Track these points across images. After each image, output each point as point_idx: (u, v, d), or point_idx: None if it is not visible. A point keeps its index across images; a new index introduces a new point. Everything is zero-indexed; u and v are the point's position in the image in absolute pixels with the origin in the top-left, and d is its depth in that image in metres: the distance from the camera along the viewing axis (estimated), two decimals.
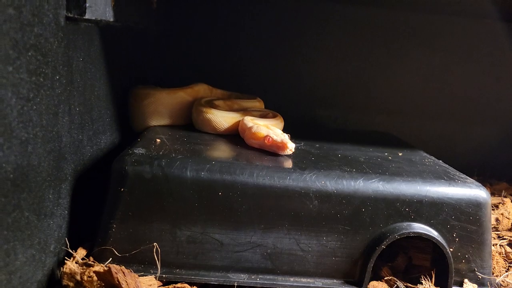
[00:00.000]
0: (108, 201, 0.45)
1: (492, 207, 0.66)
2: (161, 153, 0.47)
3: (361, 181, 0.47)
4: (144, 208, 0.45)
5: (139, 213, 0.45)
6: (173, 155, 0.47)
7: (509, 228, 0.60)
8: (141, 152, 0.47)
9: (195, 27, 0.83)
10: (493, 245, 0.55)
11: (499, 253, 0.54)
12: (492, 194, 0.72)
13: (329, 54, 0.87)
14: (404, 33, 0.86)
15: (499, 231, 0.59)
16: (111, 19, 0.48)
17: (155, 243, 0.44)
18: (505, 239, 0.57)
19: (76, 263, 0.42)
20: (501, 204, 0.66)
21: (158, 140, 0.52)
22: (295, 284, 0.45)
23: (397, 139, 0.73)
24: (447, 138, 0.87)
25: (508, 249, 0.55)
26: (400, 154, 0.60)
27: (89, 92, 0.48)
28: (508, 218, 0.61)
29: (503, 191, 0.73)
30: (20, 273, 0.36)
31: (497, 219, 0.61)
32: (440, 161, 0.59)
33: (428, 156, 0.61)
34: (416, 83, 0.87)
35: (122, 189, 0.44)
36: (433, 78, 0.86)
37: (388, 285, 0.47)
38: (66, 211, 0.44)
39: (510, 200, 0.68)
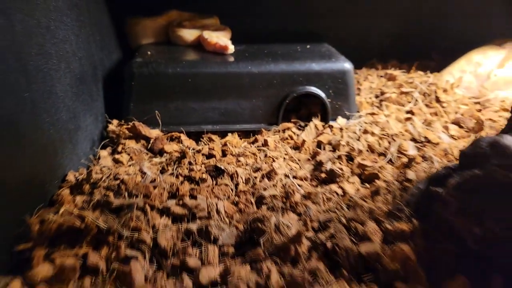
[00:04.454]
0: (126, 92, 0.77)
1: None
2: (152, 60, 0.78)
3: (273, 65, 0.79)
4: (147, 93, 0.77)
5: (144, 96, 0.77)
6: (159, 60, 0.78)
7: (374, 93, 0.93)
8: (140, 60, 0.78)
9: None
10: (366, 98, 0.89)
11: (366, 102, 0.88)
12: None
13: None
14: None
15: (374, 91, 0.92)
16: None
17: (156, 111, 0.77)
18: (375, 96, 0.91)
19: (115, 126, 0.76)
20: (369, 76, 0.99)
21: (149, 53, 0.83)
22: (238, 128, 0.80)
23: (316, 36, 1.02)
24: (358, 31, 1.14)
25: (374, 100, 0.88)
26: (308, 46, 0.90)
27: (102, 27, 0.77)
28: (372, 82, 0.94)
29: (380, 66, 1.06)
30: (89, 130, 0.69)
31: (370, 87, 0.94)
32: (334, 48, 0.89)
33: (328, 46, 0.92)
34: None
35: (132, 83, 0.76)
36: None
37: (295, 125, 0.81)
38: (103, 98, 0.77)
39: (376, 75, 1.00)
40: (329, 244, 0.48)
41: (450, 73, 0.96)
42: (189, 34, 0.88)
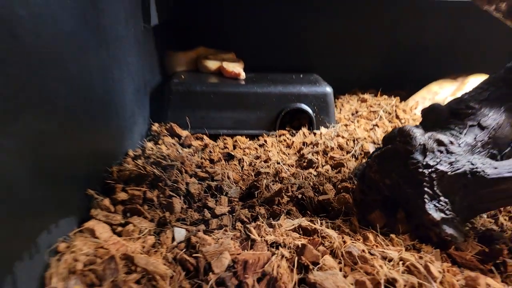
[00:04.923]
0: (165, 103, 1.06)
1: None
2: (185, 81, 1.07)
3: (273, 87, 1.07)
4: (181, 104, 1.06)
5: (178, 107, 1.06)
6: (190, 81, 1.07)
7: (351, 112, 1.20)
8: (176, 81, 1.07)
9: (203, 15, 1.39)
10: (345, 115, 1.16)
11: (344, 118, 1.15)
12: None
13: (294, 24, 1.42)
14: None
15: (351, 114, 1.19)
16: (156, 22, 1.06)
17: (187, 117, 1.05)
18: (352, 114, 1.17)
19: (157, 127, 1.04)
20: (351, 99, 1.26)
21: (182, 76, 1.12)
22: (245, 132, 1.07)
23: (310, 69, 1.31)
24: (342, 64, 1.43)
25: (351, 117, 1.15)
26: (301, 75, 1.19)
27: (151, 56, 1.07)
28: (351, 105, 1.21)
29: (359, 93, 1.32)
30: (140, 126, 0.97)
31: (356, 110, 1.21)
32: (320, 77, 1.18)
33: (316, 76, 1.20)
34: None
35: (171, 97, 1.05)
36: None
37: (288, 132, 1.08)
38: (149, 106, 1.06)
39: (356, 100, 1.27)
40: (299, 196, 0.73)
41: (414, 99, 1.23)
42: (212, 64, 1.18)
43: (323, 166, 0.90)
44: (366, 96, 1.26)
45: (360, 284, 0.46)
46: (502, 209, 0.73)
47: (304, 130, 1.07)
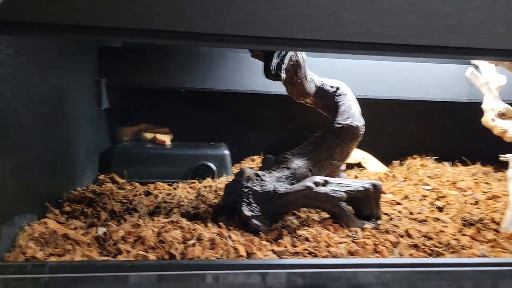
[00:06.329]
0: (110, 160, 1.51)
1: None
2: (126, 145, 1.55)
3: (187, 150, 1.55)
4: (122, 162, 1.51)
5: (120, 163, 1.51)
6: (130, 146, 1.55)
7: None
8: (120, 146, 1.54)
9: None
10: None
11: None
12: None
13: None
14: None
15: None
16: (107, 106, 1.56)
17: (125, 171, 1.50)
18: None
19: (103, 177, 1.48)
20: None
21: (125, 143, 1.60)
22: (167, 180, 1.51)
23: (217, 140, 1.81)
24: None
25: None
26: (211, 143, 1.69)
27: (103, 128, 1.56)
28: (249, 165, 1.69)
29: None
30: (89, 175, 1.41)
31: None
32: (225, 145, 1.67)
33: (223, 144, 1.70)
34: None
35: (115, 156, 1.51)
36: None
37: (198, 181, 1.54)
38: (97, 162, 1.51)
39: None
40: (183, 211, 1.16)
41: None
42: (148, 135, 1.67)
43: (212, 199, 1.34)
44: (255, 157, 1.77)
45: (184, 237, 0.89)
46: (311, 218, 1.18)
47: (209, 179, 1.53)
